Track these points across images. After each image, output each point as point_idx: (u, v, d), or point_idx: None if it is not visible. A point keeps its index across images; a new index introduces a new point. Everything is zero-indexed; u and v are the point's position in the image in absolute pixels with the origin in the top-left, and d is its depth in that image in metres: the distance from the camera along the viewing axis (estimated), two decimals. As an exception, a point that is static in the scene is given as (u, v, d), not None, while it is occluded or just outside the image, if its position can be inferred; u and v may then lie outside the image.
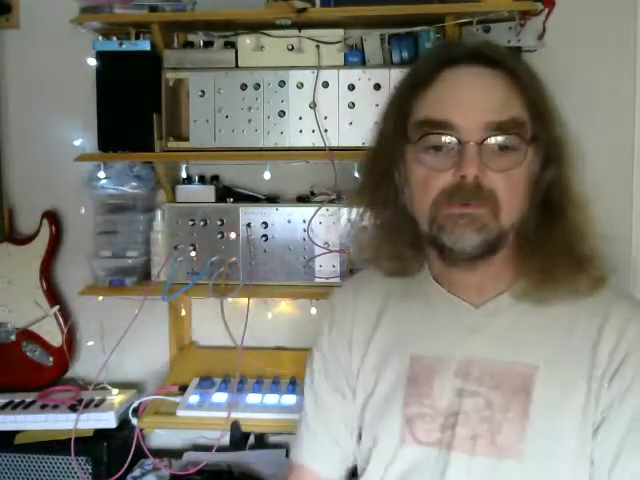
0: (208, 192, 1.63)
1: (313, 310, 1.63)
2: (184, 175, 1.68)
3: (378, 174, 1.01)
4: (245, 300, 1.57)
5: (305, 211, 1.57)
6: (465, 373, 0.96)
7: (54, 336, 1.72)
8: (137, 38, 1.57)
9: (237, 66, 1.54)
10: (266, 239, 1.59)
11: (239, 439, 1.49)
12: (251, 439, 1.61)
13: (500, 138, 0.89)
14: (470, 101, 0.90)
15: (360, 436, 1.06)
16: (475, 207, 0.89)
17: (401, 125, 0.95)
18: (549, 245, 0.93)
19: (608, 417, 0.91)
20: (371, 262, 1.08)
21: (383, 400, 1.02)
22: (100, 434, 1.55)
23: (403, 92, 0.97)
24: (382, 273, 1.07)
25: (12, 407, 1.61)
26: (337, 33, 1.52)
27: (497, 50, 0.96)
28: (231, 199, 1.63)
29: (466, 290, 0.99)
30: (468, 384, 0.96)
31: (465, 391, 0.96)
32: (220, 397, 1.53)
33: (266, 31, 1.53)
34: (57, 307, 1.73)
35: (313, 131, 1.52)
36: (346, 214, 1.09)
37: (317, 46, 1.51)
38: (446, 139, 0.90)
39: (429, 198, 0.91)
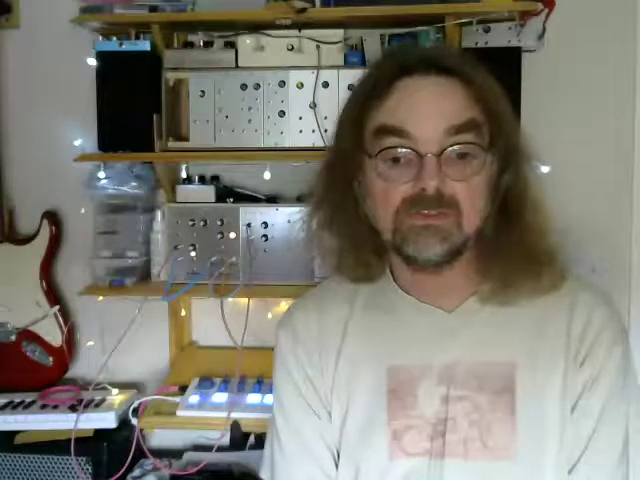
0: (208, 192, 1.63)
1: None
2: (184, 175, 1.69)
3: (337, 186, 0.99)
4: (245, 300, 1.57)
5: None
6: (449, 378, 0.96)
7: (54, 336, 1.72)
8: (137, 38, 1.57)
9: (237, 66, 1.54)
10: (266, 239, 1.59)
11: (239, 439, 1.50)
12: (251, 439, 1.61)
13: (459, 147, 0.88)
14: (426, 110, 0.89)
15: (339, 456, 1.02)
16: (438, 218, 0.88)
17: (358, 138, 0.94)
18: (509, 247, 0.93)
19: (580, 402, 0.93)
20: (336, 270, 1.06)
21: (364, 417, 0.99)
22: (100, 434, 1.55)
23: (358, 104, 0.95)
24: (347, 279, 1.05)
25: (12, 407, 1.61)
26: (337, 33, 1.52)
27: (451, 57, 0.94)
28: (231, 199, 1.63)
29: (435, 296, 0.98)
30: (453, 389, 0.95)
31: (451, 397, 0.95)
32: (220, 397, 1.53)
33: (266, 31, 1.53)
34: (57, 307, 1.72)
35: (313, 131, 1.52)
36: (307, 224, 1.06)
37: (317, 46, 1.51)
38: (404, 151, 0.89)
39: (391, 209, 0.91)
